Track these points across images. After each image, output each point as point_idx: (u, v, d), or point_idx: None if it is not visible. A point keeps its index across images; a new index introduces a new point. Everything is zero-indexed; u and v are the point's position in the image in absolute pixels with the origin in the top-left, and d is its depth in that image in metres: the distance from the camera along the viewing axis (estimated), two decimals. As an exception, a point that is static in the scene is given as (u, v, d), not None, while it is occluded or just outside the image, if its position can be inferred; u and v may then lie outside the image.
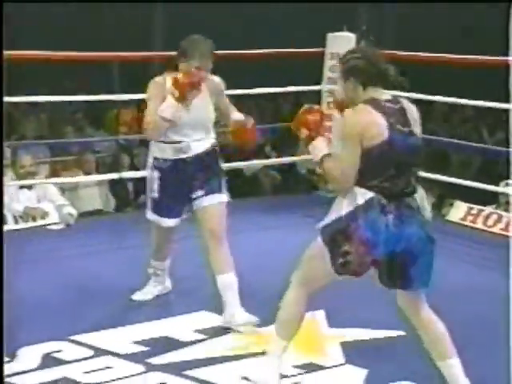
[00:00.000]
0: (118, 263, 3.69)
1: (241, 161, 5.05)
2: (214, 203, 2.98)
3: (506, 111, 7.96)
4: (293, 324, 2.45)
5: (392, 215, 2.25)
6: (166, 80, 2.95)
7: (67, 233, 4.23)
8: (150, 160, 3.07)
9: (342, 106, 2.38)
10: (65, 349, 2.74)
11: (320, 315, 3.09)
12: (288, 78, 5.15)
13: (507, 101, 4.49)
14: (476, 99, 4.57)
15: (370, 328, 2.94)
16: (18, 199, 4.38)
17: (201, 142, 2.99)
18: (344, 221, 2.27)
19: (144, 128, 2.95)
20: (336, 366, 2.70)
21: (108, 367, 2.64)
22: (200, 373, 2.62)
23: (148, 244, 3.99)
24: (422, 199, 2.33)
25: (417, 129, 2.34)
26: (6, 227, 4.02)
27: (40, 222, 4.32)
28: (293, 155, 5.76)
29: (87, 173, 5.58)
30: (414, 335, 2.88)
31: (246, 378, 2.60)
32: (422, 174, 5.33)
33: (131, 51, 4.77)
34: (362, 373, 2.65)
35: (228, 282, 2.97)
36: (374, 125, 2.24)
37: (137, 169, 6.31)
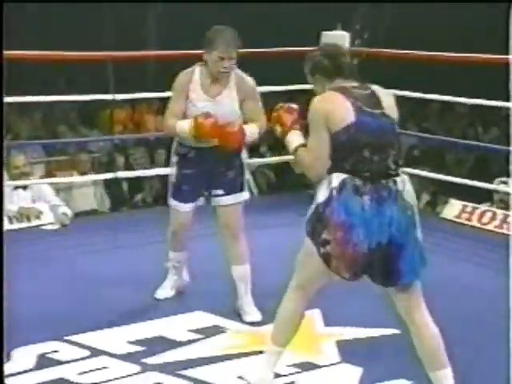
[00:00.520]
0: (113, 263, 3.69)
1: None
2: (232, 202, 3.05)
3: (501, 109, 8.00)
4: (288, 332, 2.42)
5: (368, 196, 2.21)
6: (195, 71, 3.01)
7: (62, 233, 4.22)
8: (174, 145, 3.13)
9: None
10: (61, 349, 2.74)
11: (316, 314, 3.09)
12: (281, 77, 5.15)
13: (502, 98, 4.52)
14: (470, 97, 4.57)
15: (365, 326, 2.94)
16: (12, 200, 4.37)
17: None
18: (320, 207, 2.25)
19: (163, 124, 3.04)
20: (331, 365, 2.71)
21: (104, 367, 2.63)
22: (196, 373, 2.62)
23: (143, 243, 4.01)
24: (404, 183, 2.29)
25: (391, 112, 2.33)
26: (0, 228, 4.01)
27: (35, 223, 4.31)
28: (288, 154, 5.76)
29: (82, 173, 5.57)
30: (409, 334, 2.89)
31: (241, 378, 2.60)
32: (417, 171, 5.41)
33: (125, 51, 4.76)
34: (357, 371, 2.65)
35: (241, 273, 3.08)
36: (339, 108, 2.25)
37: (132, 168, 6.31)
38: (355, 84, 2.34)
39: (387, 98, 2.36)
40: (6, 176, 4.49)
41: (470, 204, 4.54)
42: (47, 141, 6.42)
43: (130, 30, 10.55)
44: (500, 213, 4.40)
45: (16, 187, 4.43)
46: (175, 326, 2.96)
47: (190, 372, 2.62)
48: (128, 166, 6.39)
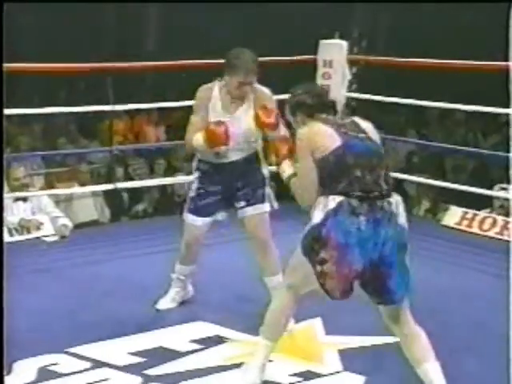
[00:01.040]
0: (113, 274, 3.68)
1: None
2: (255, 213, 3.10)
3: (500, 115, 7.99)
4: (278, 326, 2.53)
5: (364, 217, 2.29)
6: (214, 88, 3.07)
7: (63, 244, 4.22)
8: (195, 161, 3.20)
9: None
10: (61, 361, 2.73)
11: (317, 322, 3.09)
12: (279, 86, 5.16)
13: (501, 105, 4.53)
14: (469, 104, 4.58)
15: (367, 335, 2.93)
16: (12, 211, 4.37)
17: (240, 151, 3.08)
18: (317, 228, 2.32)
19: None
20: (333, 374, 2.70)
21: (105, 379, 2.62)
22: (197, 383, 2.60)
23: (143, 254, 4.01)
24: (398, 205, 2.36)
25: (375, 137, 2.45)
26: (0, 240, 4.00)
27: (35, 234, 4.31)
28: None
29: (82, 184, 5.57)
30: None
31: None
32: (417, 179, 5.41)
33: (124, 62, 4.77)
34: (359, 380, 2.64)
35: (274, 284, 3.09)
36: (323, 135, 2.38)
37: (131, 179, 6.32)
38: (336, 117, 2.50)
39: (367, 125, 2.49)
40: (6, 188, 4.49)
41: (471, 211, 4.54)
42: (47, 152, 6.42)
43: (129, 39, 10.57)
44: (500, 219, 4.40)
45: (16, 199, 4.43)
46: (176, 337, 2.95)
47: (190, 383, 2.61)
48: (128, 177, 6.39)
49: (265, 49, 5.17)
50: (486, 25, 10.04)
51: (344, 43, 4.89)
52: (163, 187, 6.20)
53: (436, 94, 5.06)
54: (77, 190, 5.38)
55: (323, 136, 2.37)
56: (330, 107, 2.51)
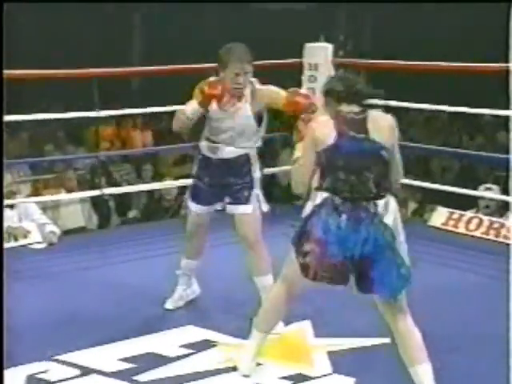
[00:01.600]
0: (101, 280, 3.67)
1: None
2: (238, 213, 3.14)
3: (484, 116, 8.02)
4: (272, 318, 2.63)
5: (345, 215, 2.36)
6: None
7: (50, 251, 4.20)
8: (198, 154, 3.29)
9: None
10: (50, 369, 2.72)
11: (306, 325, 3.09)
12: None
13: (485, 106, 4.57)
14: (455, 105, 4.61)
15: (356, 337, 2.94)
16: (-2, 219, 4.35)
17: (234, 149, 3.12)
18: (304, 221, 2.43)
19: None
20: (323, 376, 2.70)
21: (94, 386, 2.62)
22: (187, 388, 2.61)
23: (132, 259, 4.00)
24: (387, 205, 2.40)
25: (378, 136, 2.42)
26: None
27: (22, 242, 4.29)
28: (274, 166, 5.77)
29: (69, 190, 5.55)
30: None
31: (233, 392, 2.60)
32: (404, 180, 5.42)
33: (109, 67, 4.76)
34: (349, 382, 2.65)
35: (262, 284, 3.12)
36: (324, 131, 2.43)
37: (119, 185, 6.31)
38: (355, 109, 2.46)
39: (380, 121, 2.45)
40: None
41: (457, 211, 4.56)
42: (33, 159, 6.40)
43: (114, 44, 10.56)
44: (486, 219, 4.43)
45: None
46: (166, 342, 2.95)
47: (181, 388, 2.61)
48: (115, 183, 6.38)
49: (252, 51, 5.18)
50: (472, 25, 10.13)
51: (329, 46, 4.91)
52: (151, 193, 6.20)
53: (421, 95, 5.08)
54: (64, 196, 5.36)
55: (324, 132, 2.42)
56: (356, 96, 2.46)
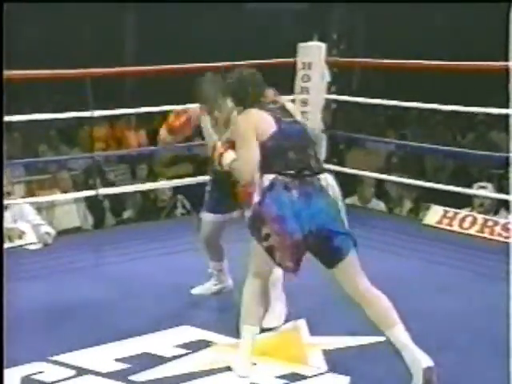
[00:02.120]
0: (96, 280, 3.67)
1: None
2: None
3: (476, 114, 8.02)
4: (255, 313, 2.68)
5: (296, 191, 2.52)
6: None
7: (45, 252, 4.19)
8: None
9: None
10: (45, 370, 2.72)
11: (301, 324, 3.10)
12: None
13: (478, 104, 4.58)
14: (447, 104, 4.62)
15: (351, 335, 2.95)
16: (-7, 220, 4.34)
17: None
18: (256, 206, 2.57)
19: None
20: (318, 375, 2.71)
21: (90, 386, 2.61)
22: (183, 388, 2.61)
23: (127, 259, 4.00)
24: (327, 180, 2.59)
25: (300, 119, 2.75)
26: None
27: (17, 243, 4.28)
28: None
29: (64, 191, 5.54)
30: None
31: (229, 391, 2.60)
32: (398, 179, 5.45)
33: (103, 67, 4.76)
34: (344, 380, 2.66)
35: (272, 279, 3.08)
36: (263, 121, 2.62)
37: (114, 185, 6.30)
38: (267, 100, 2.71)
39: (292, 107, 2.77)
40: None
41: (451, 209, 4.58)
42: (27, 160, 6.38)
43: (106, 43, 10.54)
44: (480, 217, 4.45)
45: (-3, 207, 4.40)
46: (161, 342, 2.95)
47: (177, 387, 2.61)
48: (110, 183, 6.37)
49: (243, 52, 5.20)
50: (464, 25, 10.16)
51: (322, 45, 4.92)
52: (146, 193, 6.19)
53: (415, 94, 5.10)
54: (58, 197, 5.35)
55: (263, 122, 2.61)
56: (262, 94, 2.71)
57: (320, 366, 2.76)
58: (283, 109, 2.69)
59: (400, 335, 2.54)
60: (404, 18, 10.34)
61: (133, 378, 2.67)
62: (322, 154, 5.00)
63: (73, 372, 2.70)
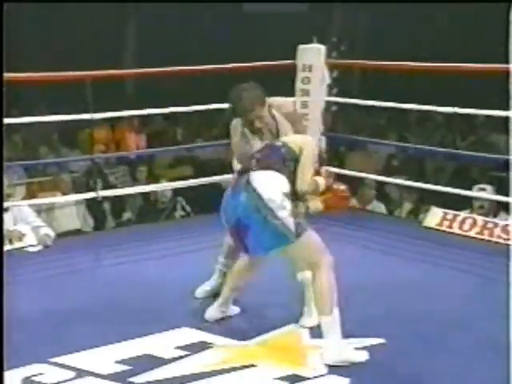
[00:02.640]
0: (96, 282, 3.67)
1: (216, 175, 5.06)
2: None
3: (476, 117, 8.00)
4: (240, 280, 3.09)
5: (231, 187, 2.87)
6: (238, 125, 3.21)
7: (45, 254, 4.19)
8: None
9: None
10: (46, 372, 2.72)
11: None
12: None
13: (478, 106, 4.58)
14: (448, 106, 4.63)
15: (350, 337, 2.95)
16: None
17: None
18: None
19: None
20: (318, 377, 2.71)
21: (90, 388, 2.61)
22: (183, 389, 2.61)
23: (127, 261, 4.00)
24: (260, 177, 2.78)
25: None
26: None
27: (17, 245, 4.28)
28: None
29: (64, 193, 5.55)
30: (394, 343, 2.90)
31: (229, 393, 2.60)
32: (399, 181, 5.45)
33: (103, 69, 4.76)
34: (344, 382, 2.66)
35: (304, 278, 3.14)
36: None
37: (114, 187, 6.30)
38: None
39: None
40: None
41: (451, 211, 4.58)
42: (28, 162, 6.38)
43: (106, 46, 10.54)
44: (480, 219, 4.45)
45: (-3, 209, 4.40)
46: (161, 344, 2.95)
47: (177, 389, 2.61)
48: (110, 185, 6.38)
49: (244, 54, 5.21)
50: (463, 26, 10.16)
51: (322, 47, 4.92)
52: (146, 195, 6.20)
53: (415, 96, 5.10)
54: (58, 199, 5.36)
55: None
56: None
57: (320, 368, 2.76)
58: None
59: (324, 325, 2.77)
60: (405, 18, 10.35)
61: (133, 379, 2.67)
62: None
63: (73, 374, 2.70)
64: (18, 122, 4.94)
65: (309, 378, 2.69)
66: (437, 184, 5.05)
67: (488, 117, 6.62)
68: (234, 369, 2.74)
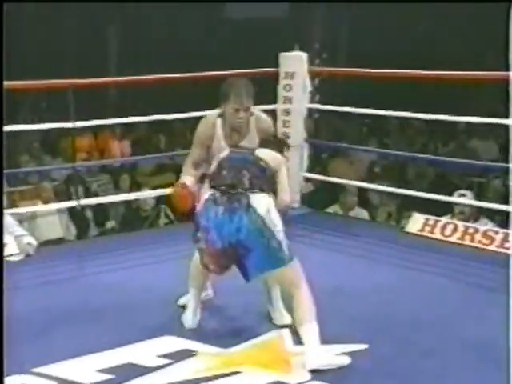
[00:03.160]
0: (79, 291, 3.66)
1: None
2: None
3: (457, 123, 8.06)
4: (198, 277, 3.14)
5: (222, 206, 2.82)
6: (216, 124, 3.19)
7: (27, 263, 4.17)
8: None
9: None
10: (28, 382, 2.70)
11: (285, 333, 3.10)
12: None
13: (459, 113, 4.63)
14: (428, 113, 4.67)
15: (334, 343, 2.96)
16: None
17: None
18: (197, 213, 2.93)
19: None
20: (302, 383, 2.71)
21: (73, 398, 2.60)
22: (166, 398, 2.60)
23: (110, 270, 3.99)
24: (259, 199, 2.81)
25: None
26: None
27: (-1, 255, 4.24)
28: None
29: (46, 202, 5.52)
30: (378, 349, 2.92)
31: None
32: (380, 187, 5.49)
33: (85, 77, 4.75)
34: (327, 388, 2.67)
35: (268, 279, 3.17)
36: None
37: (96, 195, 6.28)
38: None
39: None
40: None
41: (432, 217, 4.61)
42: (8, 170, 6.33)
43: (90, 54, 10.51)
44: (461, 225, 4.49)
45: (-22, 219, 4.36)
46: (143, 352, 2.94)
47: (160, 398, 2.60)
48: (92, 193, 6.35)
49: (226, 61, 5.22)
50: (445, 33, 10.26)
51: (304, 55, 4.95)
52: (129, 203, 6.18)
53: (396, 103, 5.14)
54: (40, 208, 5.32)
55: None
56: None
57: (303, 374, 2.76)
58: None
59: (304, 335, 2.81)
60: (388, 24, 10.42)
61: (116, 388, 2.66)
62: (304, 164, 5.03)
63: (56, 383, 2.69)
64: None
65: (293, 385, 2.70)
66: (418, 190, 5.09)
67: (468, 123, 6.68)
68: (218, 376, 2.74)
